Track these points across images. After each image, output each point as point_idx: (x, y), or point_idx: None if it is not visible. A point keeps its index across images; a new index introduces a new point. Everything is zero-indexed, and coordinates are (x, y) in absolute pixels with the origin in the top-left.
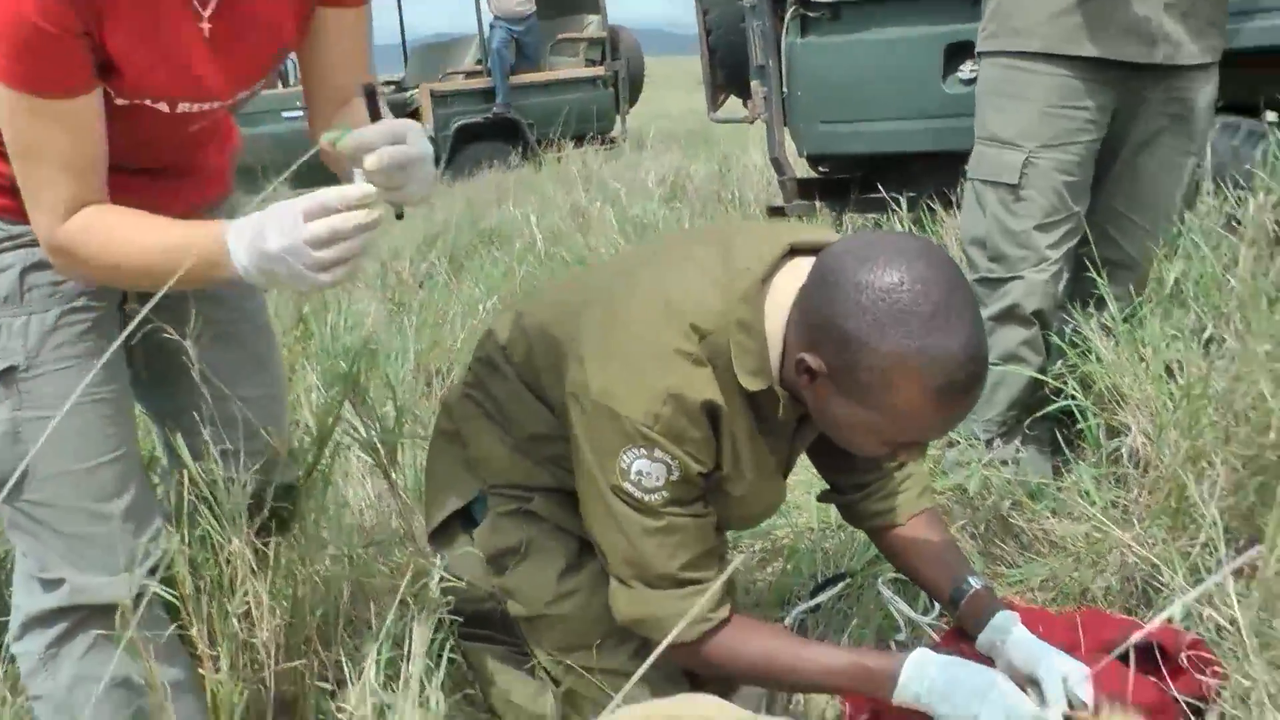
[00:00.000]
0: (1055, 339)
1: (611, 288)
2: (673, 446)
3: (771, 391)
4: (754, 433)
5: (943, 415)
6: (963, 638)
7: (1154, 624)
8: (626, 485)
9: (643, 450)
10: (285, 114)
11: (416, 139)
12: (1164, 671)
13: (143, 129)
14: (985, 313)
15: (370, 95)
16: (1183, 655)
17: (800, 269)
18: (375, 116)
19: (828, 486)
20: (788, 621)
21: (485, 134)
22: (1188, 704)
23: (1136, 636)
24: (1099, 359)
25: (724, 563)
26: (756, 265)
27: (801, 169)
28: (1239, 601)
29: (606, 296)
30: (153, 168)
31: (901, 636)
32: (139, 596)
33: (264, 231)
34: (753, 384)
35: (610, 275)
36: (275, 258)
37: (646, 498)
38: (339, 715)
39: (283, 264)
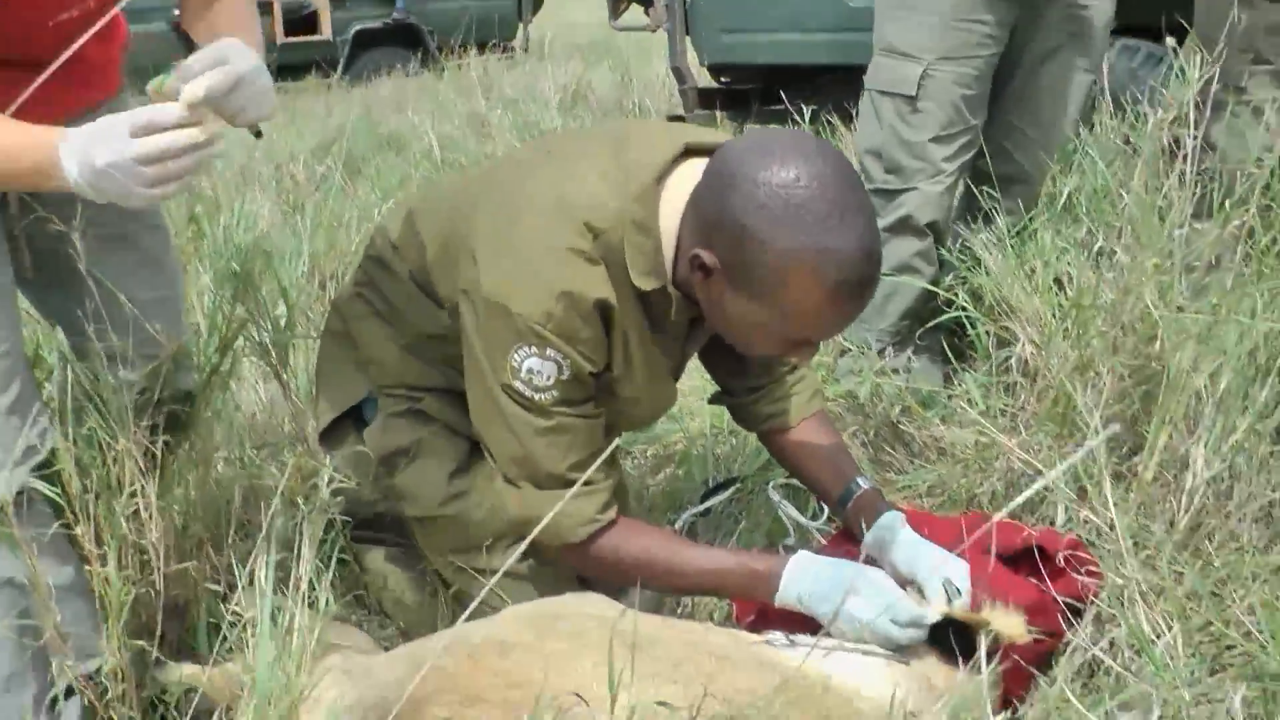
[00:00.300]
0: (946, 252)
1: (505, 185)
2: (564, 345)
3: (664, 292)
4: (646, 334)
5: (836, 313)
6: (850, 539)
7: (1014, 505)
8: (517, 384)
9: (534, 348)
10: (177, 11)
11: (240, 56)
12: (1043, 573)
13: (9, 14)
14: (879, 223)
15: (176, 29)
16: (1060, 555)
17: (696, 169)
18: (190, 49)
19: (719, 390)
20: (678, 525)
21: (384, 40)
22: (1066, 604)
23: (993, 523)
24: (988, 271)
25: (613, 466)
26: (651, 164)
27: (704, 79)
28: (1116, 505)
29: (500, 194)
30: (26, 59)
31: (791, 541)
32: (21, 494)
33: (92, 146)
34: (646, 284)
35: (504, 173)
36: (103, 173)
37: (537, 397)
38: (230, 618)
39: (110, 179)
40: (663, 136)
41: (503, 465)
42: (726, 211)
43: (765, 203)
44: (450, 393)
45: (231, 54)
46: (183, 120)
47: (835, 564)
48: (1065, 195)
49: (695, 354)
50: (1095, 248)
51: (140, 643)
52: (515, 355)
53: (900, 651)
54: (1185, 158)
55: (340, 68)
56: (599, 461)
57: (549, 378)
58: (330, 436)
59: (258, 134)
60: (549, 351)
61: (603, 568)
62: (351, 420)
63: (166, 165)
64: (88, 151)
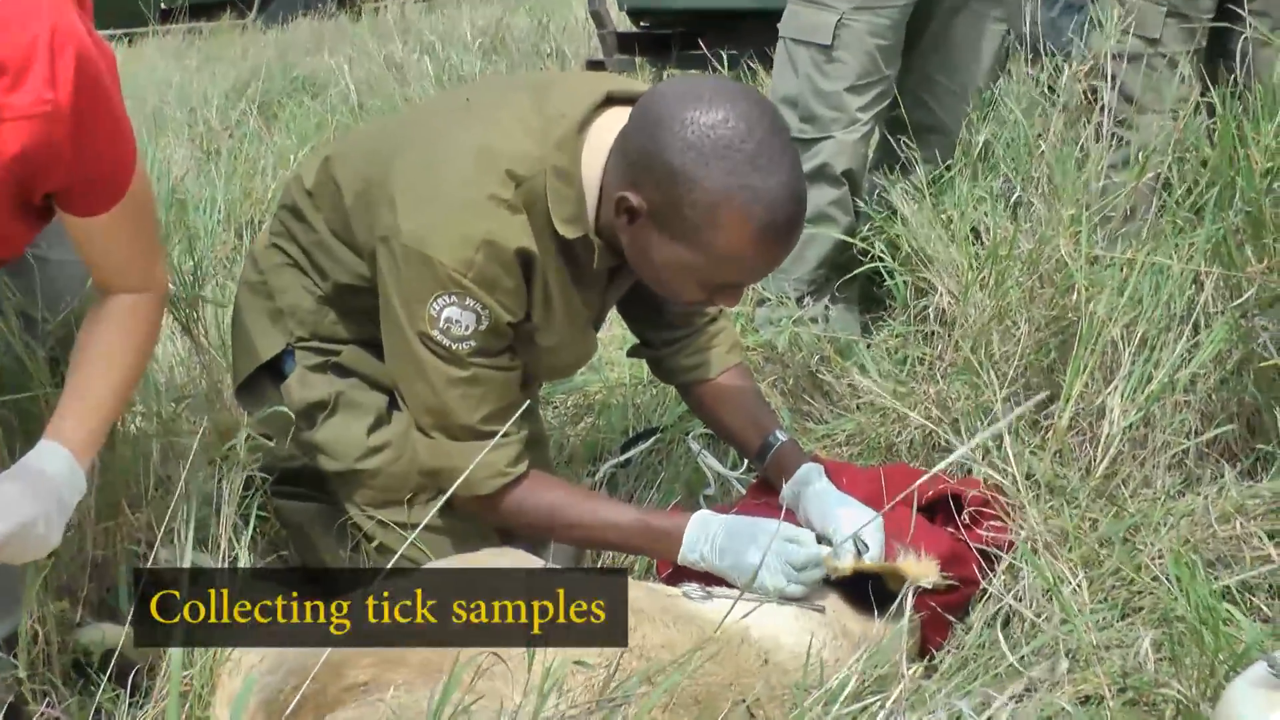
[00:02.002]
0: (864, 201)
1: (425, 133)
2: (484, 294)
3: (587, 240)
4: (567, 283)
5: (762, 255)
6: (768, 491)
7: (939, 468)
8: (434, 333)
9: (454, 297)
10: None
11: (13, 508)
12: (959, 522)
13: None
14: None
15: None
16: (965, 503)
17: (618, 117)
18: None
19: (638, 342)
20: (599, 476)
21: None
22: (983, 552)
23: (923, 479)
24: (904, 221)
25: (530, 419)
26: (573, 112)
27: (623, 23)
28: (1033, 454)
29: (420, 142)
30: None
31: (710, 491)
32: None
33: None
34: (569, 231)
35: (423, 121)
36: None
37: (454, 346)
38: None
39: None
40: (585, 85)
41: (416, 414)
42: (654, 152)
43: (694, 142)
44: (369, 345)
45: (4, 509)
46: None
47: (736, 519)
48: (982, 145)
49: (615, 304)
50: (1013, 198)
51: (63, 604)
52: (434, 304)
53: (815, 600)
54: (1103, 109)
55: (255, 8)
56: (514, 417)
57: (467, 328)
58: (247, 390)
59: None
60: (469, 301)
61: (512, 521)
62: (269, 374)
63: None
64: None
